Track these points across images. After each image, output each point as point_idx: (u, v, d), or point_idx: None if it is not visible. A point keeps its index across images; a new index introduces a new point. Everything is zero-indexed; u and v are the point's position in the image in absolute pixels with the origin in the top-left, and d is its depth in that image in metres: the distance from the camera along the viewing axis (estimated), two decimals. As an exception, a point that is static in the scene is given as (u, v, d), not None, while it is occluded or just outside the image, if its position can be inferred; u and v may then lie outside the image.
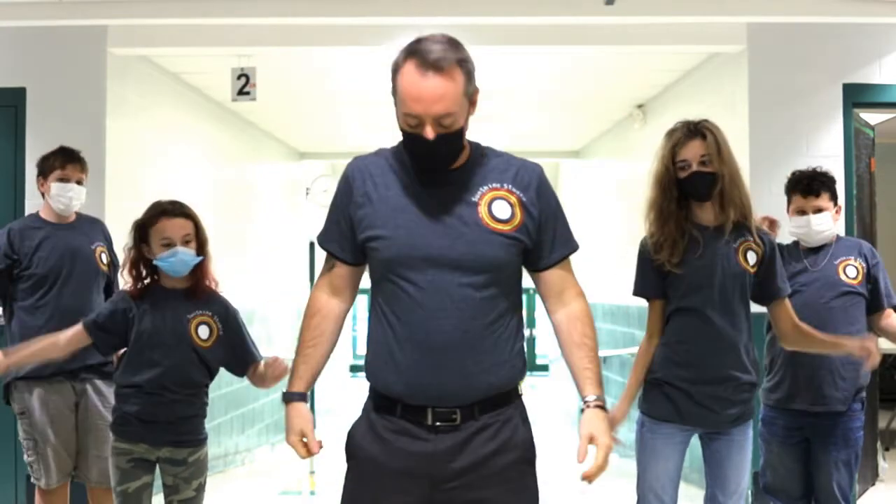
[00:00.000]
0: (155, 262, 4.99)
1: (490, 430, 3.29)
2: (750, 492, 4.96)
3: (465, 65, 3.24)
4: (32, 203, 7.49)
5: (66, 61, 7.61)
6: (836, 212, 5.47)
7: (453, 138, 3.26)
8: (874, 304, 5.42)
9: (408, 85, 3.21)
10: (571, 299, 3.41)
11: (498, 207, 3.31)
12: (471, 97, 3.29)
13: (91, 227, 6.21)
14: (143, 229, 5.05)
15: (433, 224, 3.29)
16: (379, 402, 3.37)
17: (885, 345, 5.49)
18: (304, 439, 3.41)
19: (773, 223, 5.43)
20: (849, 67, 7.66)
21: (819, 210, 5.36)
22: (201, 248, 5.07)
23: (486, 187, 3.33)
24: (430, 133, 3.22)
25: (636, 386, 4.74)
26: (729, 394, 4.57)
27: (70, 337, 5.05)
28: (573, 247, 3.43)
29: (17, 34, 7.58)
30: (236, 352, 5.13)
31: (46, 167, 6.11)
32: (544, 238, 3.37)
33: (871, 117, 8.41)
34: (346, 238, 3.45)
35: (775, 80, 7.65)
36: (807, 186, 5.39)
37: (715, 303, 4.56)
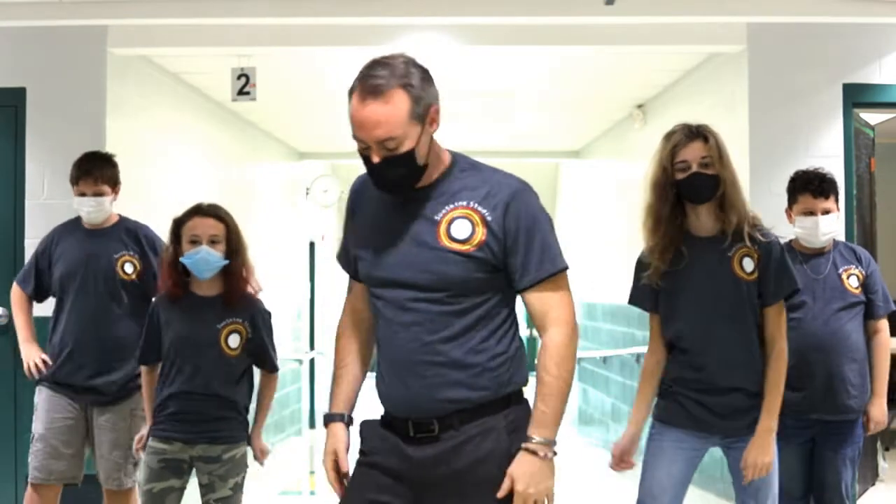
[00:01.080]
0: (181, 260, 5.03)
1: (472, 442, 3.30)
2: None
3: (411, 88, 3.26)
4: (32, 203, 7.50)
5: (66, 61, 7.61)
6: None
7: (400, 161, 3.27)
8: (867, 313, 5.41)
9: (352, 112, 3.26)
10: (549, 325, 3.32)
11: (457, 227, 3.31)
12: (422, 117, 3.29)
13: (125, 235, 6.11)
14: (177, 227, 5.12)
15: (396, 243, 3.36)
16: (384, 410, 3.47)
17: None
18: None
19: None
20: (849, 67, 7.66)
21: (827, 212, 5.35)
22: (233, 252, 5.10)
23: (451, 206, 3.34)
24: (374, 157, 3.27)
25: (644, 410, 4.68)
26: (740, 403, 4.50)
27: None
28: (552, 269, 3.33)
29: (18, 34, 7.58)
30: (256, 355, 5.21)
31: (70, 178, 6.12)
32: (512, 261, 3.32)
33: (871, 117, 8.41)
34: (350, 255, 3.55)
35: (775, 80, 7.64)
36: (818, 187, 5.36)
37: (711, 314, 4.49)
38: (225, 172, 10.84)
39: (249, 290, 5.21)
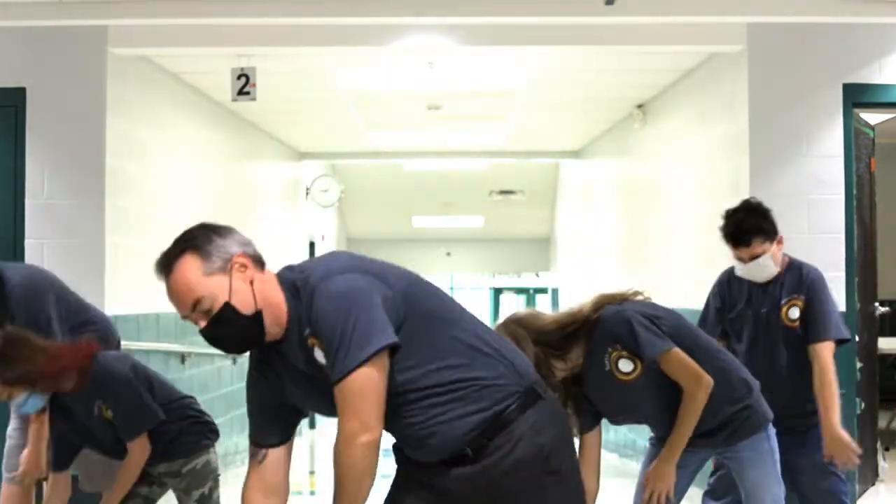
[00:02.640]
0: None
1: (502, 450, 3.31)
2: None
3: (196, 248, 3.30)
4: (33, 203, 7.49)
5: (66, 61, 7.60)
6: (779, 243, 5.36)
7: (225, 317, 3.28)
8: (808, 338, 5.30)
9: (168, 298, 3.34)
10: (340, 424, 3.24)
11: (318, 356, 3.27)
12: (224, 269, 3.29)
13: None
14: None
15: (301, 387, 3.39)
16: None
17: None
18: None
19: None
20: (849, 67, 7.65)
21: (755, 256, 5.29)
22: (24, 375, 4.83)
23: (308, 336, 3.29)
24: (201, 323, 3.30)
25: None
26: (707, 424, 4.54)
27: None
28: (342, 372, 3.17)
29: (17, 34, 7.57)
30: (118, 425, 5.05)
31: None
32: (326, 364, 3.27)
33: (871, 117, 8.40)
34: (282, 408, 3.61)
35: (775, 80, 7.64)
36: (737, 239, 5.30)
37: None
38: (225, 172, 10.84)
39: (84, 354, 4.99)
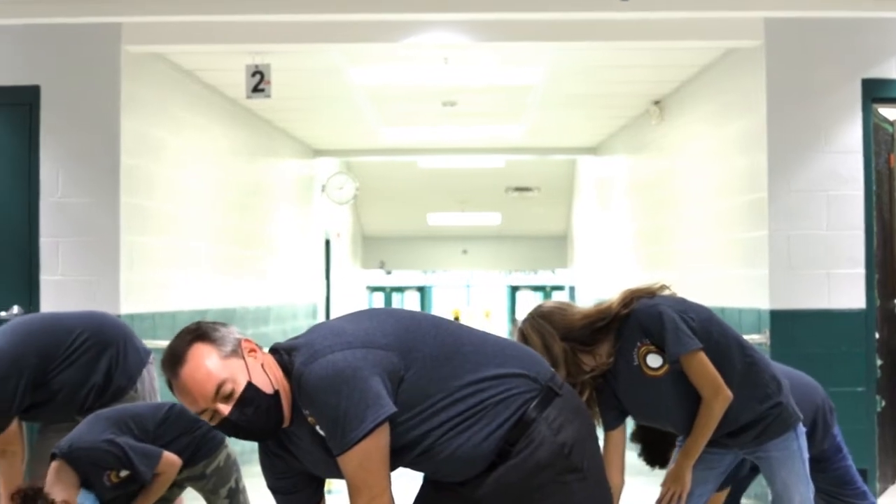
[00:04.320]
0: None
1: (524, 453, 3.33)
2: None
3: (205, 337, 3.30)
4: (47, 201, 7.49)
5: (80, 59, 7.59)
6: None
7: (250, 398, 3.27)
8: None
9: (178, 396, 3.31)
10: (350, 499, 3.31)
11: (321, 430, 3.30)
12: (236, 352, 3.30)
13: None
14: None
15: (316, 458, 3.40)
16: None
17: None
18: None
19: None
20: (867, 62, 7.60)
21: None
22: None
23: (307, 415, 3.31)
24: (225, 411, 3.26)
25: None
26: (737, 422, 4.52)
27: None
28: (340, 450, 3.23)
29: (31, 32, 7.56)
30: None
31: None
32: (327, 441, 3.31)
33: (890, 112, 8.34)
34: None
35: (793, 76, 7.59)
36: None
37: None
38: (240, 170, 10.83)
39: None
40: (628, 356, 4.42)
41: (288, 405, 3.32)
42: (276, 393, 3.29)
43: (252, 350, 3.34)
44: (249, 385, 3.26)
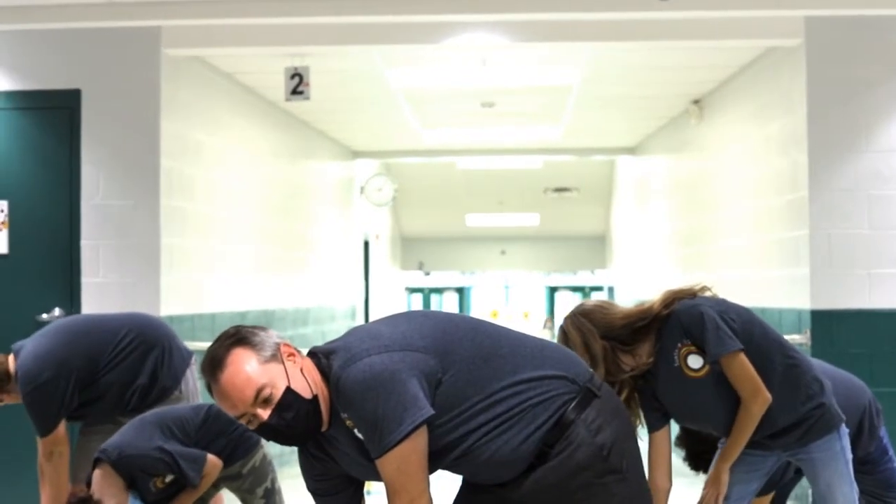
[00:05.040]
0: None
1: (562, 455, 3.33)
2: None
3: (245, 342, 3.31)
4: (88, 204, 7.53)
5: (120, 62, 7.63)
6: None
7: (289, 403, 3.28)
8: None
9: (218, 401, 3.32)
10: (389, 501, 3.32)
11: (359, 433, 3.31)
12: (276, 357, 3.32)
13: None
14: None
15: (355, 461, 3.42)
16: None
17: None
18: None
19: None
20: (909, 60, 7.55)
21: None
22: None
23: (345, 418, 3.32)
24: (264, 415, 3.28)
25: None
26: (779, 423, 4.49)
27: None
28: (379, 451, 3.25)
29: (72, 36, 7.61)
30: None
31: None
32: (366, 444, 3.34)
33: (932, 111, 8.27)
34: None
35: (834, 74, 7.54)
36: None
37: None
38: (279, 172, 10.86)
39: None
40: (669, 357, 4.40)
41: (326, 409, 3.34)
42: (315, 397, 3.31)
43: (291, 354, 3.35)
44: (288, 390, 3.27)
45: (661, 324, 4.40)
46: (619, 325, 4.36)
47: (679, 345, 4.39)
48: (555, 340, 4.16)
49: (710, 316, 4.35)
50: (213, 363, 3.29)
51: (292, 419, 3.28)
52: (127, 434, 4.99)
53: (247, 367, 3.26)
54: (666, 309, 4.41)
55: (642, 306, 4.45)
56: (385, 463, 3.24)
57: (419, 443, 3.24)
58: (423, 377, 3.26)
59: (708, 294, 4.53)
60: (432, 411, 3.24)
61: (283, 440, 3.35)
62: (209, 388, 3.34)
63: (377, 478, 3.35)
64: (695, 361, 4.39)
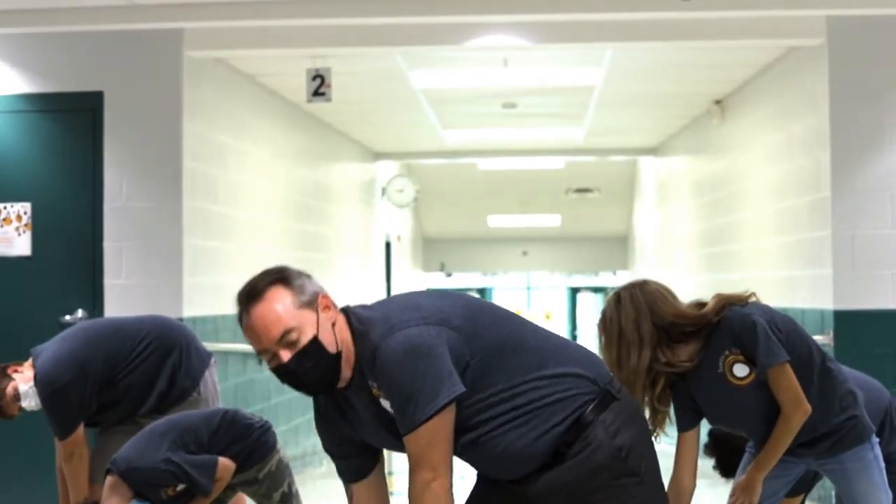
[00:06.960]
0: None
1: (581, 456, 3.33)
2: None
3: (286, 281, 3.31)
4: (111, 206, 7.56)
5: (142, 64, 7.65)
6: None
7: (310, 353, 3.27)
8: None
9: (245, 331, 3.33)
10: (412, 474, 3.27)
11: (385, 403, 3.31)
12: (311, 304, 3.30)
13: None
14: None
15: (374, 430, 3.41)
16: None
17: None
18: None
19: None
20: (932, 59, 7.51)
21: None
22: None
23: (373, 387, 3.32)
24: (284, 357, 3.27)
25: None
26: (811, 433, 4.45)
27: None
28: (411, 426, 3.23)
29: (94, 38, 7.64)
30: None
31: None
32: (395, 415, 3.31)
33: (956, 110, 8.23)
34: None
35: (857, 74, 7.51)
36: None
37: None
38: (301, 173, 10.88)
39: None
40: (713, 362, 4.35)
41: (349, 369, 3.33)
42: (339, 354, 3.30)
43: (327, 307, 3.34)
44: (314, 339, 3.27)
45: (711, 329, 4.38)
46: (668, 322, 4.32)
47: (726, 352, 4.35)
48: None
49: (762, 326, 4.30)
50: (250, 294, 3.30)
51: (311, 368, 3.27)
52: (137, 446, 5.01)
53: (279, 307, 3.27)
54: (717, 316, 4.39)
55: (697, 311, 4.39)
56: (416, 437, 3.23)
57: (450, 418, 3.24)
58: (453, 356, 3.27)
59: (753, 300, 4.49)
60: (464, 388, 3.25)
61: (297, 386, 3.34)
62: (240, 319, 3.35)
63: (390, 446, 3.36)
64: (741, 370, 4.35)
